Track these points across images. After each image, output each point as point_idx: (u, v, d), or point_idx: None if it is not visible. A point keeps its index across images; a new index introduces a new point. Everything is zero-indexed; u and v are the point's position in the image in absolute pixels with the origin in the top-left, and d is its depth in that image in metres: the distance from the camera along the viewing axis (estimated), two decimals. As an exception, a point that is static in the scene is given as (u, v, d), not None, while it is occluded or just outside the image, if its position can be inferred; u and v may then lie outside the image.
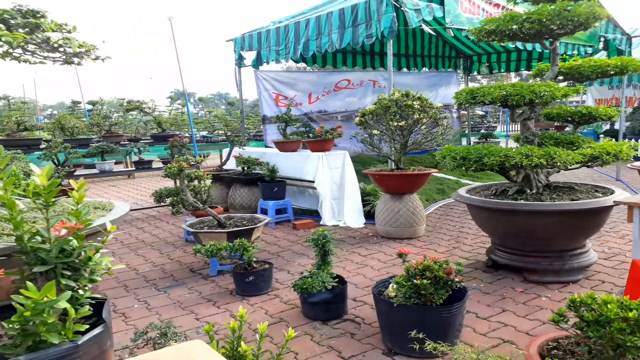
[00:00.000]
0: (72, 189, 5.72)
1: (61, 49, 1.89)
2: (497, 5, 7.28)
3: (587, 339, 2.08)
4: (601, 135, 13.79)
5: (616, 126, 13.25)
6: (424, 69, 11.67)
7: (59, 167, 6.26)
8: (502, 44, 4.16)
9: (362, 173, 6.17)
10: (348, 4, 6.77)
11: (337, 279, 3.46)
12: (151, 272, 4.62)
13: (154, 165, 7.68)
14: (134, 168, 6.90)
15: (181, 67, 12.22)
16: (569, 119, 4.29)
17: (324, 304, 3.35)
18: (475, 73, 12.74)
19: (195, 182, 5.62)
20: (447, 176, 8.90)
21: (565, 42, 8.38)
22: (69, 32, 2.00)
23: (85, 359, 1.58)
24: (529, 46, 8.52)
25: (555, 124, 9.12)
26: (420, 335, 2.51)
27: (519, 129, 4.34)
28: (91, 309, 1.75)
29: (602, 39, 9.08)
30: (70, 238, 1.79)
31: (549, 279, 3.90)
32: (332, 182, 6.39)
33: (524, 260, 4.00)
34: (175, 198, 4.96)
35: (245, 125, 15.20)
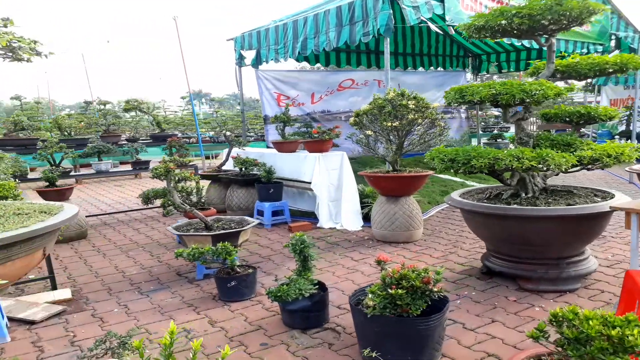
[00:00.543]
0: (69, 189, 5.61)
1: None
2: (501, 2, 7.08)
3: (567, 358, 1.94)
4: (616, 137, 13.44)
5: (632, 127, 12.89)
6: (430, 68, 11.47)
7: (54, 167, 6.21)
8: (495, 40, 3.99)
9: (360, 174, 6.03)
10: (345, 2, 6.63)
11: (317, 286, 3.33)
12: (138, 274, 4.54)
13: (152, 165, 7.56)
14: (131, 168, 6.82)
15: (186, 67, 12.22)
16: (567, 119, 4.10)
17: (303, 312, 3.23)
18: (485, 72, 12.48)
19: (192, 183, 5.55)
20: (452, 178, 8.71)
21: (573, 40, 8.14)
22: (4, 25, 1.91)
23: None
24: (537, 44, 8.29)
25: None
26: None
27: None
28: None
29: (613, 37, 8.80)
30: None
31: (544, 287, 3.73)
32: (330, 183, 6.26)
33: (519, 268, 3.83)
34: (165, 199, 4.87)
35: (251, 126, 15.18)
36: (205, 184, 7.58)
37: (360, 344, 2.83)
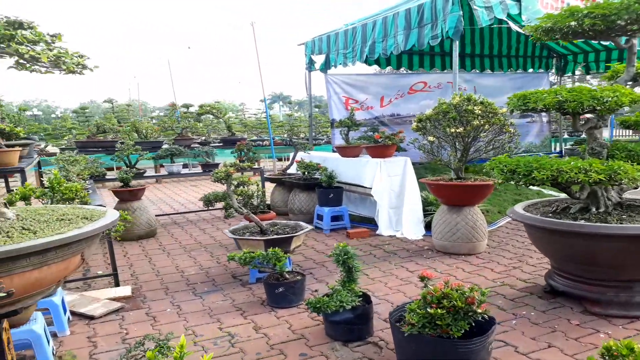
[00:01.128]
0: (141, 189, 5.90)
1: (37, 59, 1.91)
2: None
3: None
4: None
5: None
6: (509, 70, 10.93)
7: (130, 168, 6.57)
8: (566, 42, 3.69)
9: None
10: (415, 4, 6.46)
11: (361, 298, 3.25)
12: (196, 275, 4.68)
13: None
14: (201, 170, 7.08)
15: (262, 72, 12.49)
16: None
17: (345, 324, 3.16)
18: (570, 74, 11.69)
19: (253, 187, 5.65)
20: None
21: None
22: (52, 42, 2.02)
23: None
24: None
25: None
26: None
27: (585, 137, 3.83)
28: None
29: None
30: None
31: (613, 312, 3.40)
32: (391, 189, 6.12)
33: (585, 289, 3.52)
34: (225, 202, 4.98)
35: (323, 130, 15.24)
36: (270, 187, 7.71)
37: (399, 363, 2.72)
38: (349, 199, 7.12)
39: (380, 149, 6.31)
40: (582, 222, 3.40)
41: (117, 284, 4.36)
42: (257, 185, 5.45)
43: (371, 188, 6.03)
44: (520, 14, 6.17)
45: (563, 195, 4.43)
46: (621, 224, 3.29)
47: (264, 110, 19.31)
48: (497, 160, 3.60)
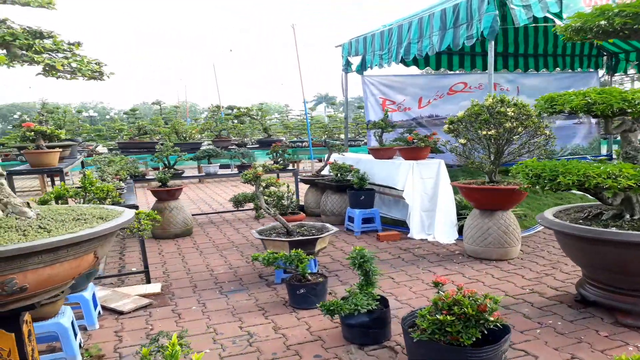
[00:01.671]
0: (178, 189, 6.07)
1: (53, 67, 2.02)
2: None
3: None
4: None
5: None
6: (556, 69, 10.55)
7: (168, 168, 6.77)
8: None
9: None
10: (450, 4, 6.36)
11: (379, 302, 3.23)
12: (224, 274, 4.78)
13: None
14: (237, 171, 7.21)
15: (302, 74, 12.61)
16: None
17: (362, 327, 3.15)
18: (622, 73, 11.16)
19: (282, 188, 5.71)
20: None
21: None
22: (69, 49, 2.13)
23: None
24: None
25: None
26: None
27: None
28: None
29: None
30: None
31: (646, 324, 3.24)
32: (423, 192, 6.04)
33: (617, 299, 3.37)
34: (254, 203, 5.06)
35: (363, 131, 15.19)
36: (305, 188, 7.76)
37: (410, 369, 2.69)
38: (383, 202, 7.07)
39: (413, 151, 6.23)
40: (614, 229, 3.25)
41: (148, 281, 4.51)
42: (287, 186, 5.50)
43: (403, 190, 5.97)
44: (561, 11, 5.95)
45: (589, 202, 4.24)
46: (655, 232, 3.13)
47: (306, 111, 19.46)
48: (523, 164, 3.50)
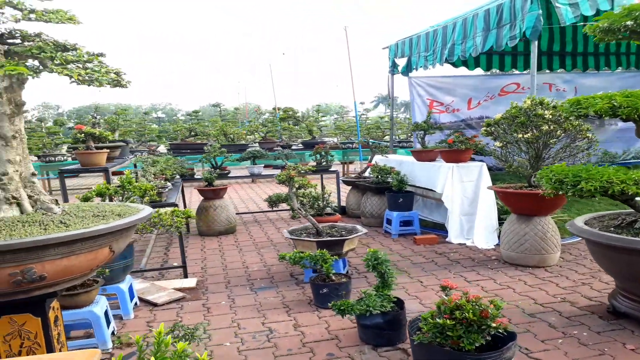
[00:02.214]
0: (223, 188, 6.32)
1: (71, 77, 2.22)
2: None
3: None
4: None
5: None
6: (618, 69, 10.01)
7: (215, 169, 7.05)
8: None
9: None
10: (494, 4, 6.22)
11: (394, 304, 3.26)
12: (257, 271, 4.94)
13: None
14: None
15: (353, 74, 12.68)
16: None
17: (376, 328, 3.19)
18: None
19: (316, 189, 5.81)
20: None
21: None
22: (89, 60, 2.33)
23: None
24: None
25: None
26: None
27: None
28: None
29: None
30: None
31: (679, 339, 3.07)
32: (463, 196, 5.94)
33: (648, 311, 3.21)
34: (288, 203, 5.19)
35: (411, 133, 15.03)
36: (347, 189, 7.83)
37: (414, 371, 2.71)
38: (425, 205, 7.02)
39: (454, 154, 6.14)
40: (644, 238, 3.11)
41: (185, 276, 4.75)
42: (323, 187, 5.59)
43: (442, 193, 5.91)
44: (612, 9, 5.67)
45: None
46: (688, 242, 2.96)
47: (362, 113, 19.50)
48: (549, 169, 3.41)
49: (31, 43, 2.50)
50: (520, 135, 4.70)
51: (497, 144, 4.99)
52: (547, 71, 9.80)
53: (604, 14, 3.30)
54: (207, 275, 4.87)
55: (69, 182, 14.73)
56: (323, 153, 7.45)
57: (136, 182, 4.21)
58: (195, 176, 7.16)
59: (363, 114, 19.47)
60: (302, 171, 5.03)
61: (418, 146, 7.95)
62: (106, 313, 3.42)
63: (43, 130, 14.26)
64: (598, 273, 4.52)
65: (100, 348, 3.23)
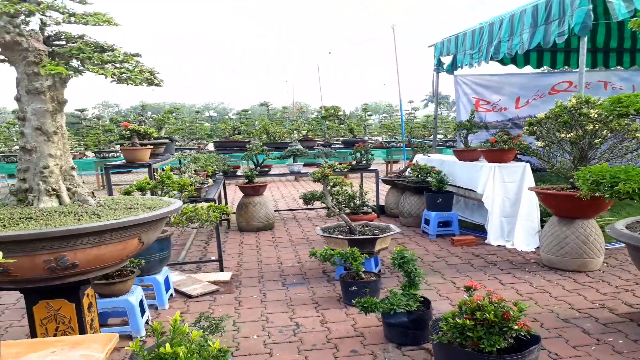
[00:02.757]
0: (262, 186, 6.45)
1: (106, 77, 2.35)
2: None
3: None
4: None
5: None
6: (680, 65, 9.44)
7: (256, 166, 7.19)
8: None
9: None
10: (543, 0, 6.02)
11: (421, 303, 3.24)
12: (291, 267, 5.01)
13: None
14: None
15: (399, 73, 12.59)
16: None
17: (400, 327, 3.18)
18: None
19: (349, 188, 5.81)
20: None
21: None
22: (125, 60, 2.45)
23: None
24: None
25: None
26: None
27: None
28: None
29: None
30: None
31: None
32: (505, 197, 5.79)
33: (692, 322, 3.05)
34: (322, 201, 5.24)
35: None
36: (386, 189, 7.79)
37: (435, 371, 2.69)
38: (466, 205, 6.89)
39: (497, 153, 5.98)
40: (687, 244, 2.95)
41: (221, 269, 4.88)
42: (360, 186, 5.59)
43: (482, 194, 5.79)
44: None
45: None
46: None
47: (410, 112, 19.31)
48: (586, 169, 3.29)
49: (74, 45, 2.66)
50: (562, 135, 4.54)
51: (539, 143, 4.84)
52: (603, 68, 9.37)
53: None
54: (242, 269, 4.99)
55: (122, 178, 15.38)
56: (363, 152, 7.44)
57: (181, 177, 4.38)
58: (238, 173, 7.32)
59: (411, 113, 19.27)
60: (338, 170, 5.04)
61: (461, 145, 7.82)
62: (141, 303, 3.57)
63: (100, 127, 14.97)
64: (644, 280, 4.31)
65: (134, 336, 3.39)
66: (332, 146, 8.75)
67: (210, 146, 15.25)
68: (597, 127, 4.40)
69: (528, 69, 9.53)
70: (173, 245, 5.88)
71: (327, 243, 4.64)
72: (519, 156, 6.74)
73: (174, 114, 15.21)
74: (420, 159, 7.56)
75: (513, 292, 4.12)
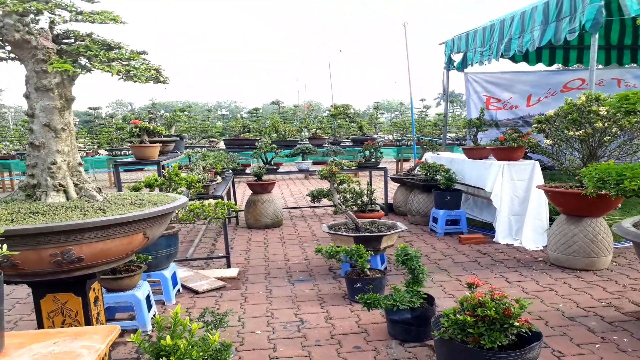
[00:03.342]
0: (271, 183, 6.51)
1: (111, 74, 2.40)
2: None
3: None
4: None
5: None
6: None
7: (265, 164, 7.22)
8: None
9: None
10: (554, -4, 5.96)
11: (424, 300, 3.24)
12: (298, 264, 5.04)
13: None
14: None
15: (410, 72, 12.56)
16: None
17: (404, 323, 3.19)
18: None
19: (358, 185, 5.83)
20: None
21: None
22: (131, 58, 2.49)
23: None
24: None
25: None
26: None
27: None
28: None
29: None
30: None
31: None
32: (513, 195, 5.76)
33: (699, 321, 3.02)
34: (329, 199, 5.25)
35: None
36: (395, 186, 7.79)
37: (436, 368, 2.69)
38: (475, 204, 6.87)
39: (506, 151, 5.96)
40: (694, 242, 2.92)
41: (228, 266, 4.92)
42: (369, 183, 5.60)
43: (491, 192, 5.76)
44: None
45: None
46: None
47: (421, 110, 19.23)
48: (592, 167, 3.26)
49: (82, 42, 2.71)
50: (571, 133, 4.51)
51: (547, 141, 4.81)
52: (617, 66, 9.25)
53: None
54: (249, 266, 5.03)
55: (135, 176, 15.54)
56: (372, 150, 7.44)
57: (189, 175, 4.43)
58: (247, 171, 7.37)
59: (422, 111, 19.19)
60: (345, 167, 5.05)
61: (470, 143, 7.78)
62: (148, 298, 3.62)
63: (113, 126, 15.13)
64: (653, 279, 4.27)
65: (140, 330, 3.44)
66: (342, 144, 8.76)
67: (222, 144, 15.37)
68: (606, 125, 4.36)
69: (540, 66, 9.46)
70: (182, 241, 5.95)
71: (333, 240, 4.66)
72: (529, 154, 6.70)
73: (186, 113, 15.32)
74: (429, 157, 7.54)
75: (519, 290, 4.11)
